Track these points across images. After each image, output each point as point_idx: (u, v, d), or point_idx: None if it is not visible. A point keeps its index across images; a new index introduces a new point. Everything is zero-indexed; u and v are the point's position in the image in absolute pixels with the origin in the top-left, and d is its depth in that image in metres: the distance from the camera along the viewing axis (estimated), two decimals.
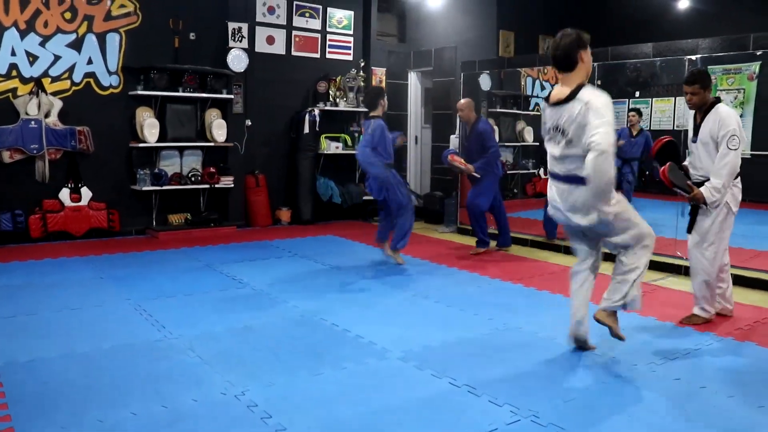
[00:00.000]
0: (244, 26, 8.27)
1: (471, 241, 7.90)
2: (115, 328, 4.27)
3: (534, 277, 6.05)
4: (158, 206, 7.92)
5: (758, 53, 6.10)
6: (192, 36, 7.99)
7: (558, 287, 5.55)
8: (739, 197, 4.61)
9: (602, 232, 3.73)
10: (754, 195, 10.17)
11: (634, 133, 8.61)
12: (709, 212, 4.47)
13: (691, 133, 4.65)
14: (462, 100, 7.14)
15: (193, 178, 7.90)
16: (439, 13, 10.05)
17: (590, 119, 3.34)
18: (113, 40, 7.49)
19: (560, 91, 3.54)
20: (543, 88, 11.71)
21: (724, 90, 10.95)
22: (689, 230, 4.64)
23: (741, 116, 10.74)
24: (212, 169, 7.98)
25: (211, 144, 7.99)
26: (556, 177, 3.69)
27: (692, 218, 4.61)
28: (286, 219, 8.74)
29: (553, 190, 3.76)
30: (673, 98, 11.12)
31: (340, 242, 7.68)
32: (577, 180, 3.52)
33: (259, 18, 8.43)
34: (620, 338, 3.88)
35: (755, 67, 10.62)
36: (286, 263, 6.40)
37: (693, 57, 6.26)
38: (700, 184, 4.45)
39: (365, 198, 9.20)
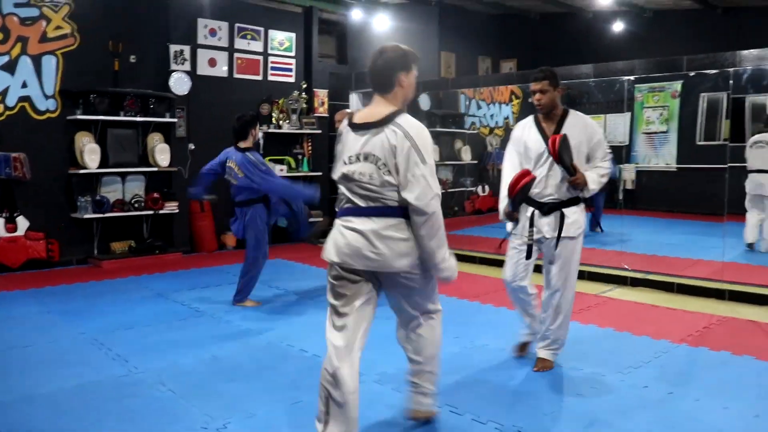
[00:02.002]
0: (186, 49, 8.13)
1: None
2: (75, 365, 4.08)
3: (489, 293, 6.14)
4: (100, 234, 7.64)
5: (691, 74, 6.43)
6: (132, 59, 7.79)
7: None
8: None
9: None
10: (682, 207, 10.81)
11: None
12: (568, 242, 3.86)
13: (538, 147, 3.87)
14: (341, 111, 6.52)
15: (136, 205, 7.67)
16: (381, 34, 10.16)
17: (410, 163, 2.68)
18: (49, 63, 7.22)
19: (372, 111, 2.82)
20: (479, 107, 11.99)
21: (650, 107, 11.51)
22: (529, 256, 3.92)
23: (666, 131, 11.34)
24: (156, 195, 7.77)
25: (154, 169, 7.79)
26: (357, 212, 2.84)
27: (557, 241, 3.86)
28: (232, 243, 8.59)
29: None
30: (603, 115, 11.60)
31: (290, 266, 7.61)
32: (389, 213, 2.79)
33: (200, 40, 8.30)
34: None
35: (677, 85, 11.22)
36: None
37: (631, 77, 6.55)
38: (553, 206, 3.85)
39: (311, 220, 9.13)
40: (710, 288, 5.96)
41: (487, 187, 11.04)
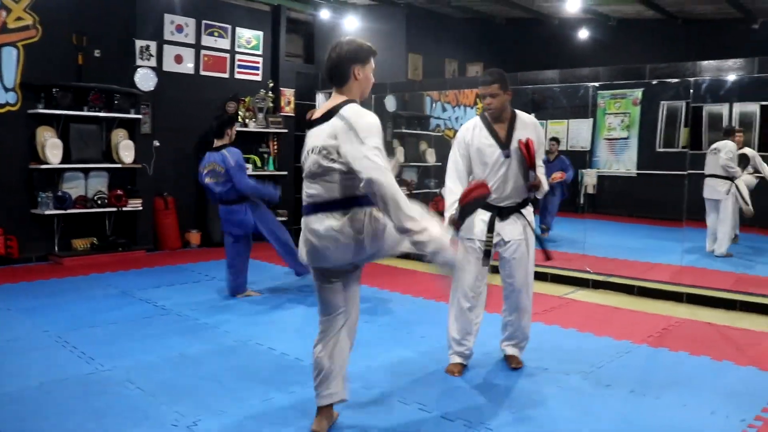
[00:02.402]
0: (152, 44, 8.05)
1: (395, 261, 8.02)
2: (40, 364, 4.02)
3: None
4: (61, 231, 7.51)
5: (653, 82, 6.63)
6: (97, 53, 7.69)
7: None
8: None
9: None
10: (642, 211, 11.09)
11: (551, 158, 9.04)
12: (525, 242, 3.90)
13: (493, 150, 3.83)
14: (312, 111, 6.43)
15: (99, 201, 7.56)
16: (348, 35, 10.19)
17: (348, 145, 2.72)
18: (9, 55, 7.08)
19: (326, 106, 2.90)
20: (444, 109, 12.10)
21: (612, 113, 11.77)
22: (487, 263, 3.91)
23: (627, 138, 11.60)
24: (119, 192, 7.68)
25: (118, 165, 7.70)
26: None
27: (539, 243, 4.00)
28: (196, 242, 8.53)
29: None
30: (566, 120, 11.82)
31: (257, 264, 7.53)
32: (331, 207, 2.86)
33: (167, 36, 8.24)
34: None
35: (638, 93, 11.50)
36: (205, 287, 6.26)
37: (595, 84, 6.72)
38: (512, 209, 3.89)
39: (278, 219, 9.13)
40: (669, 291, 6.15)
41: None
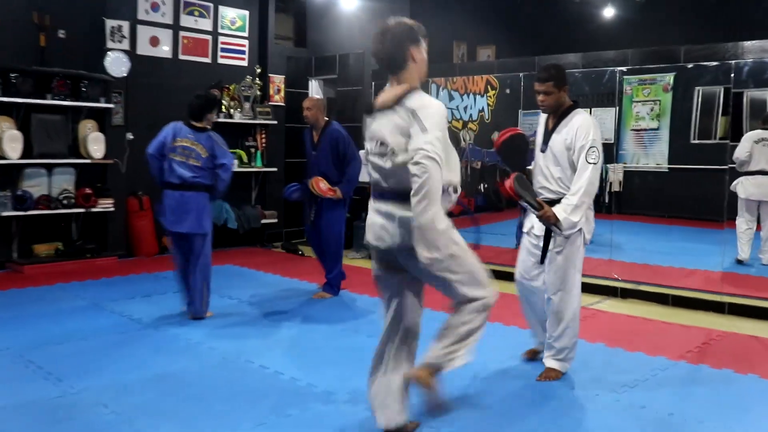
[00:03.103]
0: (125, 24, 8.03)
1: None
2: (1, 386, 4.00)
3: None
4: (21, 235, 7.49)
5: (689, 66, 6.62)
6: (61, 34, 7.67)
7: (500, 315, 5.73)
8: (593, 223, 4.25)
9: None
10: (676, 211, 11.08)
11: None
12: (562, 242, 4.12)
13: (539, 141, 4.28)
14: (310, 97, 6.46)
15: (64, 201, 7.54)
16: (344, 15, 10.19)
17: (415, 130, 2.94)
18: None
19: (388, 94, 3.10)
20: (451, 98, 12.09)
21: (640, 101, 11.76)
22: (542, 261, 4.26)
23: (657, 129, 11.61)
24: (88, 191, 7.66)
25: (87, 161, 7.67)
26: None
27: (545, 246, 4.21)
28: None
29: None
30: (589, 109, 11.81)
31: (242, 272, 7.58)
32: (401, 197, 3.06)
33: (141, 16, 8.22)
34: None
35: (669, 78, 11.49)
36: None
37: (623, 68, 6.71)
38: (549, 203, 4.11)
39: (264, 222, 9.14)
40: (708, 300, 6.14)
41: (459, 188, 11.13)
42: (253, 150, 9.18)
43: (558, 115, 4.18)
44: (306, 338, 5.12)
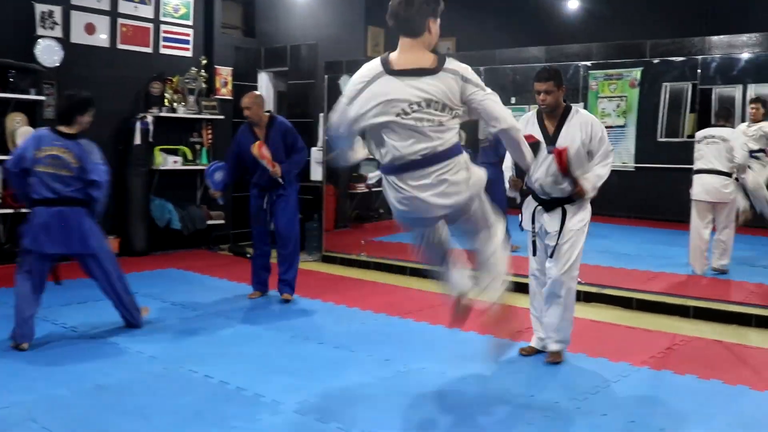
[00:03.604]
0: (57, 9, 7.94)
1: (341, 270, 8.11)
2: None
3: (423, 309, 6.27)
4: None
5: (655, 61, 6.79)
6: None
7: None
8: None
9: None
10: (641, 211, 11.31)
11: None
12: (579, 239, 4.65)
13: (541, 142, 4.60)
14: (248, 94, 6.53)
15: None
16: (296, 3, 10.20)
17: (472, 92, 3.35)
18: None
19: (413, 57, 3.32)
20: None
21: (605, 97, 11.99)
22: (534, 252, 4.81)
23: (623, 126, 11.84)
24: None
25: None
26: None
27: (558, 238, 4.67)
28: (114, 250, 8.41)
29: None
30: None
31: (185, 276, 7.55)
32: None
33: (75, 0, 8.13)
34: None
35: (637, 73, 11.73)
36: None
37: (587, 63, 6.85)
38: (556, 202, 4.65)
39: (210, 222, 9.11)
40: (673, 304, 6.30)
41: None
42: (198, 147, 9.15)
43: (558, 115, 4.61)
44: (253, 345, 5.14)
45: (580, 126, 4.56)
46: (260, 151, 6.18)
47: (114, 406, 3.90)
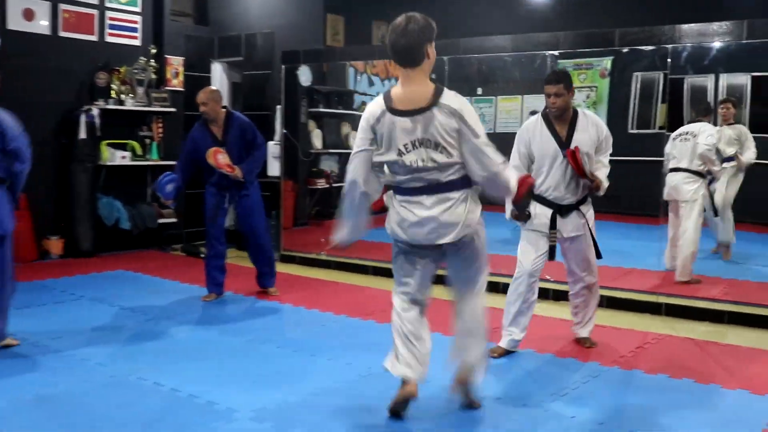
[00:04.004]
0: None
1: (300, 270, 8.11)
2: None
3: (386, 310, 6.26)
4: None
5: (624, 50, 6.88)
6: None
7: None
8: None
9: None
10: (610, 206, 11.35)
11: None
12: (584, 236, 5.06)
13: (552, 148, 4.85)
14: (204, 90, 6.52)
15: None
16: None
17: (469, 135, 3.56)
18: None
19: (411, 93, 3.60)
20: (372, 83, 12.22)
21: (576, 87, 12.10)
22: (553, 257, 5.07)
23: None
24: None
25: None
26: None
27: (553, 242, 4.99)
28: (58, 251, 8.35)
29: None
30: (521, 96, 12.09)
31: (135, 278, 7.50)
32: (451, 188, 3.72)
33: None
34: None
35: (607, 62, 11.88)
36: (71, 309, 6.17)
37: (555, 52, 6.92)
38: (571, 207, 4.97)
39: (161, 221, 9.04)
40: (644, 302, 6.42)
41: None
42: (148, 141, 9.08)
43: (568, 118, 4.86)
44: (207, 351, 5.12)
45: (590, 128, 4.86)
46: (215, 159, 6.19)
47: (57, 418, 3.86)
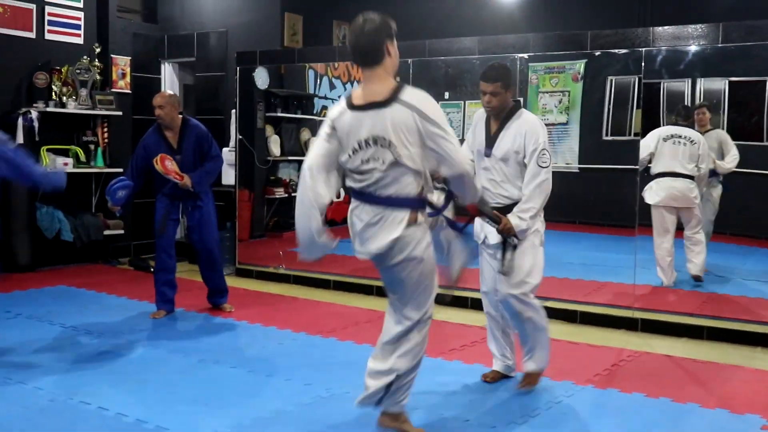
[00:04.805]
0: None
1: (257, 284, 8.09)
2: None
3: (347, 327, 6.30)
4: None
5: (596, 53, 6.95)
6: None
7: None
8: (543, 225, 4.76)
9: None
10: (586, 216, 11.55)
11: None
12: (527, 247, 4.56)
13: (480, 144, 4.68)
14: (161, 93, 6.59)
15: None
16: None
17: (431, 133, 3.48)
18: None
19: (371, 90, 3.59)
20: (333, 86, 12.20)
21: (547, 92, 12.19)
22: (506, 272, 4.56)
23: (566, 123, 12.07)
24: None
25: None
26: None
27: (504, 255, 4.54)
28: None
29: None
30: None
31: (78, 294, 7.42)
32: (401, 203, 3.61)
33: None
34: None
35: (580, 66, 11.98)
36: (5, 328, 6.07)
37: (524, 55, 6.98)
38: (499, 210, 4.49)
39: (107, 233, 8.94)
40: (620, 317, 6.47)
41: (342, 191, 11.24)
42: (92, 147, 8.99)
43: (502, 116, 4.59)
44: (156, 371, 5.07)
45: (517, 137, 4.49)
46: (163, 165, 6.18)
47: None
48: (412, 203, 3.57)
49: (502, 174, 4.56)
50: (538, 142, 4.44)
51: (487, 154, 4.59)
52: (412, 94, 3.51)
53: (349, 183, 3.72)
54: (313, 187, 3.61)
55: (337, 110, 3.65)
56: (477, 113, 4.82)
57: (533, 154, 4.44)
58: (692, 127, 7.84)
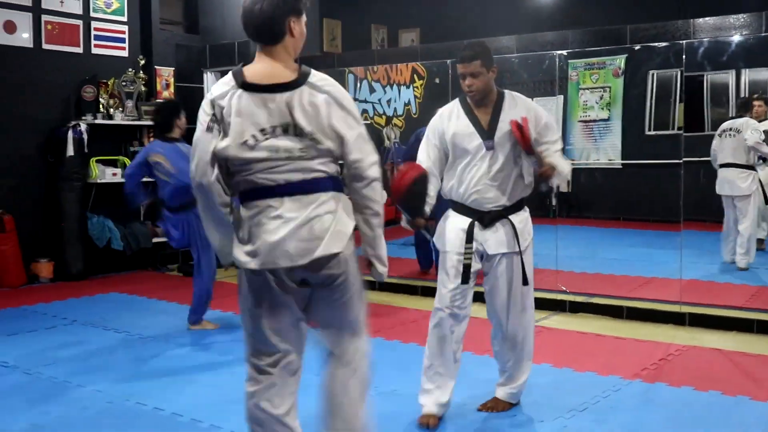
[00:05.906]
0: None
1: None
2: None
3: (395, 326, 6.34)
4: None
5: (636, 47, 6.94)
6: None
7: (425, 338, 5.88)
8: None
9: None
10: (630, 212, 11.47)
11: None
12: (513, 258, 4.12)
13: (473, 140, 4.01)
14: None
15: None
16: None
17: (341, 126, 2.93)
18: None
19: (270, 68, 2.97)
20: (372, 90, 12.27)
21: (587, 88, 12.14)
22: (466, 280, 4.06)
23: (608, 119, 12.01)
24: None
25: None
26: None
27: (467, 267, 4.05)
28: (48, 274, 8.40)
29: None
30: (530, 98, 12.10)
31: (130, 301, 7.54)
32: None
33: None
34: None
35: (620, 61, 11.91)
36: (63, 334, 6.20)
37: (563, 51, 6.99)
38: (497, 215, 4.06)
39: (156, 240, 9.09)
40: (667, 312, 6.44)
41: (385, 194, 11.22)
42: None
43: (492, 102, 4.04)
44: (208, 373, 5.16)
45: (520, 110, 3.99)
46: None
47: None
48: (334, 185, 3.00)
49: (510, 165, 4.01)
50: (544, 115, 4.07)
51: (490, 147, 3.97)
52: (321, 77, 2.96)
53: (240, 179, 2.97)
54: (216, 203, 3.02)
55: (219, 89, 2.97)
56: (442, 110, 4.20)
57: (548, 126, 4.03)
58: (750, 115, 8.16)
